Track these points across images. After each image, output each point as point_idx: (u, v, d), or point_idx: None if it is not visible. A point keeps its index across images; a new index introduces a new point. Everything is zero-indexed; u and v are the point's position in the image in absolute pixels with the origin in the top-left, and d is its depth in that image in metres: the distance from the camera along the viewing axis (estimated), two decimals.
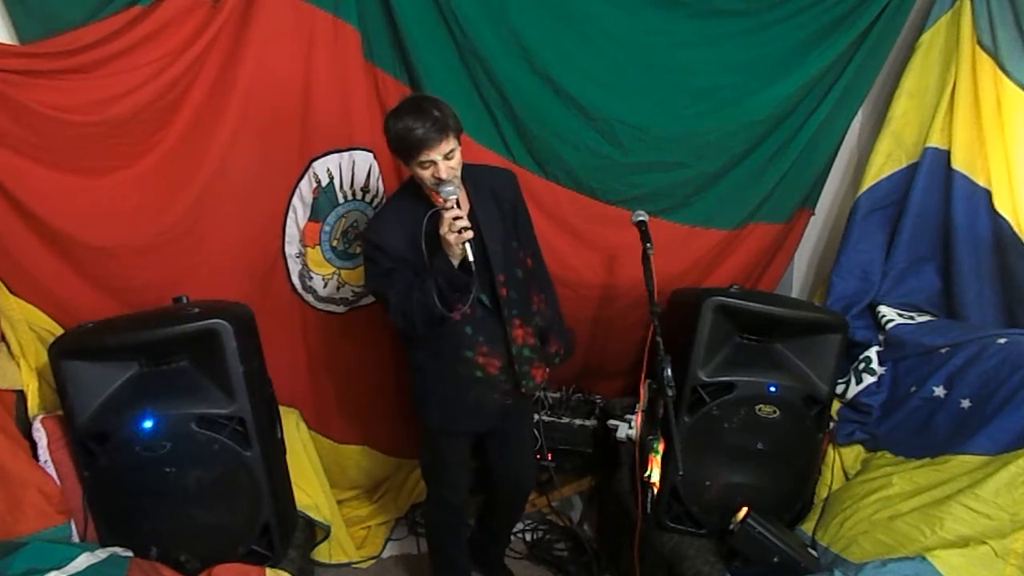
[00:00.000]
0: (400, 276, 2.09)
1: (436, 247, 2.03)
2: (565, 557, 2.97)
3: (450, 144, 1.99)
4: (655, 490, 1.99)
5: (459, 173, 2.05)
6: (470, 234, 1.96)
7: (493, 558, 2.80)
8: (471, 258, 1.98)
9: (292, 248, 2.64)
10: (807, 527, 2.46)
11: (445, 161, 1.98)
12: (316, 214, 2.64)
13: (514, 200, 2.29)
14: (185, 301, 2.24)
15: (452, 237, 1.95)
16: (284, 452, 2.40)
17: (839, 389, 2.66)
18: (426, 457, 2.49)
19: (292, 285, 2.70)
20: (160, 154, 2.32)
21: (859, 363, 2.69)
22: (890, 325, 2.70)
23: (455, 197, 1.99)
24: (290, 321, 2.74)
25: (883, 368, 2.65)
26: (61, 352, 2.03)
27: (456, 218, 1.95)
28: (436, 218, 2.02)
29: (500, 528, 2.77)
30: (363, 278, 2.77)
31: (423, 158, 1.97)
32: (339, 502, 2.90)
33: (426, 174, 2.00)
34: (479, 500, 2.79)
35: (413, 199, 2.13)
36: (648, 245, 2.29)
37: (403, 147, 1.99)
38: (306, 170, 2.56)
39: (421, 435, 2.48)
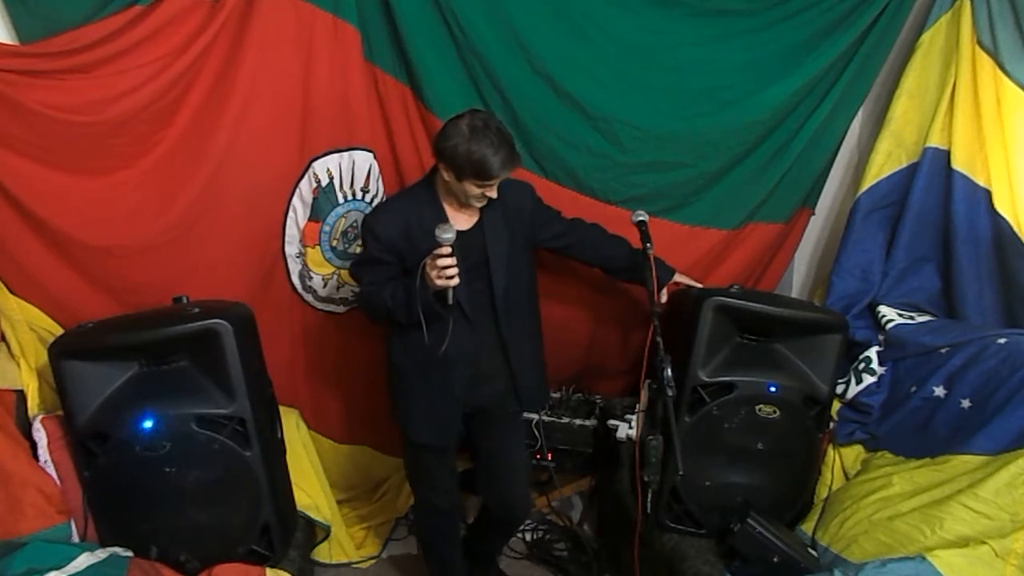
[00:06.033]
0: (380, 270, 2.15)
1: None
2: (565, 557, 2.97)
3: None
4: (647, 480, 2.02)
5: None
6: (455, 281, 1.99)
7: (486, 559, 2.78)
8: (451, 300, 2.04)
9: (292, 248, 2.64)
10: (807, 527, 2.46)
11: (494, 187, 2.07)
12: (316, 214, 2.64)
13: (532, 211, 2.33)
14: (185, 301, 2.24)
15: (435, 275, 1.97)
16: (284, 452, 2.39)
17: (839, 389, 2.66)
18: (410, 464, 2.48)
19: (292, 285, 2.69)
20: (160, 154, 2.31)
21: (859, 363, 2.68)
22: (890, 325, 2.70)
23: (451, 242, 1.97)
24: (290, 321, 2.73)
25: (883, 368, 2.65)
26: (61, 352, 2.02)
27: (447, 266, 1.96)
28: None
29: (495, 541, 2.74)
30: None
31: (484, 185, 2.04)
32: (339, 502, 2.90)
33: (476, 192, 2.06)
34: (478, 499, 2.78)
35: (425, 197, 2.17)
36: (648, 245, 2.30)
37: (472, 170, 2.00)
38: (306, 170, 2.56)
39: (403, 442, 2.46)
